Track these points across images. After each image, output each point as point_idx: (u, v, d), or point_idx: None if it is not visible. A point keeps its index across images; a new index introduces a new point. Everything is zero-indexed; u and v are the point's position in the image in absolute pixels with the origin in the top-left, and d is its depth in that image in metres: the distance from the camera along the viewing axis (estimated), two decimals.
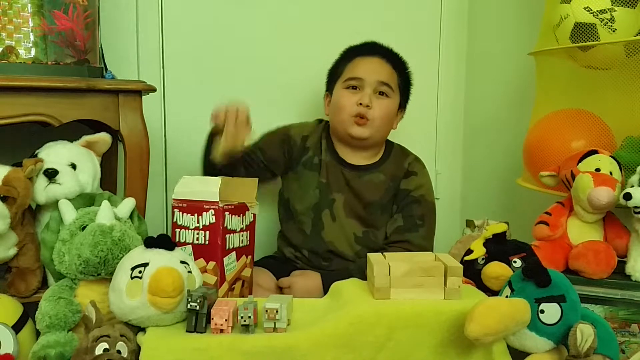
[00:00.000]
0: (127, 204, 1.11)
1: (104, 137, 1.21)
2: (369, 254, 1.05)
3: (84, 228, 1.03)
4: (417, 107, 1.59)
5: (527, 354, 0.92)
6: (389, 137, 1.54)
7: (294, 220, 1.48)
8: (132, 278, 0.91)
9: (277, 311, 0.90)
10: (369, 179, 1.47)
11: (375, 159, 1.50)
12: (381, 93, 1.45)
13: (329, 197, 1.46)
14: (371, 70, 1.45)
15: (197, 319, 0.91)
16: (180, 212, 1.14)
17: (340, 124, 1.45)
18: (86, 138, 1.20)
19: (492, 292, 1.06)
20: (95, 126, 1.26)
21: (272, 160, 1.49)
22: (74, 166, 1.15)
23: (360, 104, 1.42)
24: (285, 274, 1.39)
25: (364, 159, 1.49)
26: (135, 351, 0.90)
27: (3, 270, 1.17)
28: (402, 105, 1.53)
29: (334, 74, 1.52)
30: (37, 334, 1.01)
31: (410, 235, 1.41)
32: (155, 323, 0.92)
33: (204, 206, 1.12)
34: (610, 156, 1.21)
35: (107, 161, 1.28)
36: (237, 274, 1.18)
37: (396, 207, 1.46)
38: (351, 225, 1.45)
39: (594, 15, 1.21)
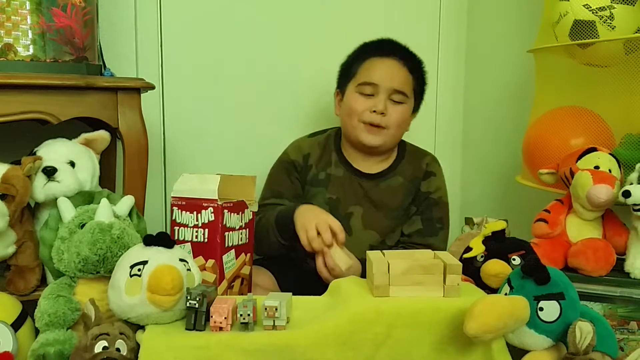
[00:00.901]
0: (126, 202, 1.11)
1: (102, 135, 1.21)
2: (368, 252, 1.05)
3: (82, 226, 1.02)
4: None
5: (526, 352, 0.92)
6: None
7: None
8: (131, 276, 0.91)
9: (276, 309, 0.90)
10: (387, 185, 1.44)
11: (389, 163, 1.47)
12: (395, 101, 1.40)
13: (345, 211, 1.42)
14: (386, 75, 1.39)
15: (197, 317, 0.90)
16: (179, 210, 1.14)
17: (352, 129, 1.41)
18: (85, 136, 1.20)
19: (491, 290, 1.05)
20: (94, 124, 1.26)
21: (297, 196, 1.44)
22: (72, 164, 1.15)
23: (374, 111, 1.38)
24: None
25: (378, 165, 1.46)
26: (135, 349, 0.90)
27: (2, 268, 1.16)
28: (416, 108, 1.49)
29: (347, 73, 1.46)
30: (36, 332, 1.01)
31: (432, 239, 1.41)
32: (155, 321, 0.92)
33: (203, 204, 1.12)
34: (610, 154, 1.21)
35: (106, 159, 1.28)
36: (236, 271, 1.18)
37: (415, 208, 1.44)
38: (369, 236, 1.42)
39: (593, 13, 1.21)
